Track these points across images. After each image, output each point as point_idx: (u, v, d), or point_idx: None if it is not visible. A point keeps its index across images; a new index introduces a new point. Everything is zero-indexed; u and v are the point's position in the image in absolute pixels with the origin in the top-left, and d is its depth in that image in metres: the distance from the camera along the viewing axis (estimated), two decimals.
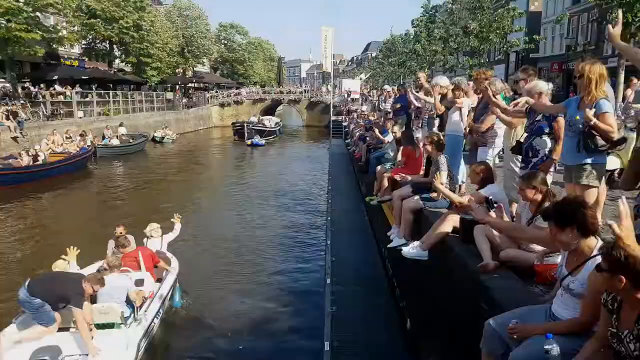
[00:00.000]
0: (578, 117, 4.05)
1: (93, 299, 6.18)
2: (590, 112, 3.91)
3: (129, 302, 6.36)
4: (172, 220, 8.96)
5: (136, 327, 6.11)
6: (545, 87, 4.86)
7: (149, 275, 7.13)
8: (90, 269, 7.08)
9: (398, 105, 11.36)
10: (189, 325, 7.54)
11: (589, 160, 4.08)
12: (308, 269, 10.57)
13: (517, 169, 5.24)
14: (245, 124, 36.80)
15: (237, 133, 37.10)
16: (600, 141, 3.95)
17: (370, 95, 40.13)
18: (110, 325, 6.02)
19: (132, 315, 6.24)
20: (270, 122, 40.68)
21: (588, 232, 2.73)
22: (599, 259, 2.63)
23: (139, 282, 6.78)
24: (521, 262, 3.87)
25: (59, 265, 6.72)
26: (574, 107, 4.18)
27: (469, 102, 6.98)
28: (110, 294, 6.23)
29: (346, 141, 25.19)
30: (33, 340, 5.67)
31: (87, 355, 5.55)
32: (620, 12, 3.87)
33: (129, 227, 8.53)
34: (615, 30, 3.65)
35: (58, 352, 5.54)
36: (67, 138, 23.51)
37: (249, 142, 33.76)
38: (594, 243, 2.75)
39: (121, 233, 7.74)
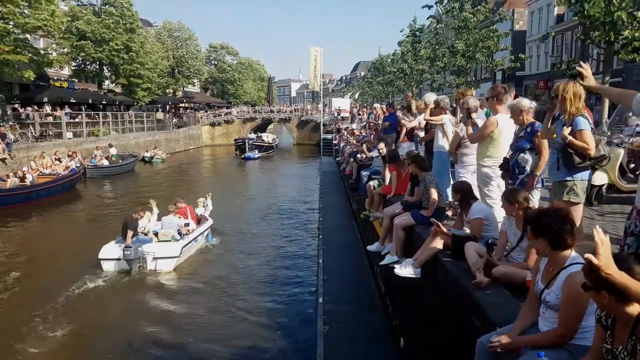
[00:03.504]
0: (555, 135, 4.13)
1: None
2: (566, 130, 3.98)
3: (179, 232, 11.83)
4: (206, 196, 15.08)
5: (181, 242, 11.55)
6: (527, 104, 4.95)
7: (192, 221, 12.81)
8: (172, 218, 12.20)
9: (387, 124, 11.47)
10: (212, 258, 12.71)
11: (568, 177, 4.12)
12: (300, 288, 10.49)
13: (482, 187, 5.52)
14: (246, 140, 40.65)
15: (238, 148, 40.39)
16: (577, 158, 3.99)
17: (360, 114, 40.40)
18: (168, 241, 11.47)
19: (180, 238, 11.66)
20: (268, 137, 44.77)
21: (560, 247, 2.72)
22: (572, 269, 2.64)
23: (186, 224, 12.28)
24: (513, 278, 3.87)
25: (147, 212, 12.29)
26: (560, 125, 4.26)
27: (449, 118, 7.07)
28: (169, 226, 11.85)
29: (337, 159, 25.22)
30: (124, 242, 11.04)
31: (154, 252, 11.04)
32: (586, 65, 3.81)
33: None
34: (587, 74, 3.69)
35: (138, 247, 10.85)
36: (55, 159, 23.31)
37: (242, 156, 37.47)
38: (568, 254, 2.74)
39: (180, 199, 13.33)
